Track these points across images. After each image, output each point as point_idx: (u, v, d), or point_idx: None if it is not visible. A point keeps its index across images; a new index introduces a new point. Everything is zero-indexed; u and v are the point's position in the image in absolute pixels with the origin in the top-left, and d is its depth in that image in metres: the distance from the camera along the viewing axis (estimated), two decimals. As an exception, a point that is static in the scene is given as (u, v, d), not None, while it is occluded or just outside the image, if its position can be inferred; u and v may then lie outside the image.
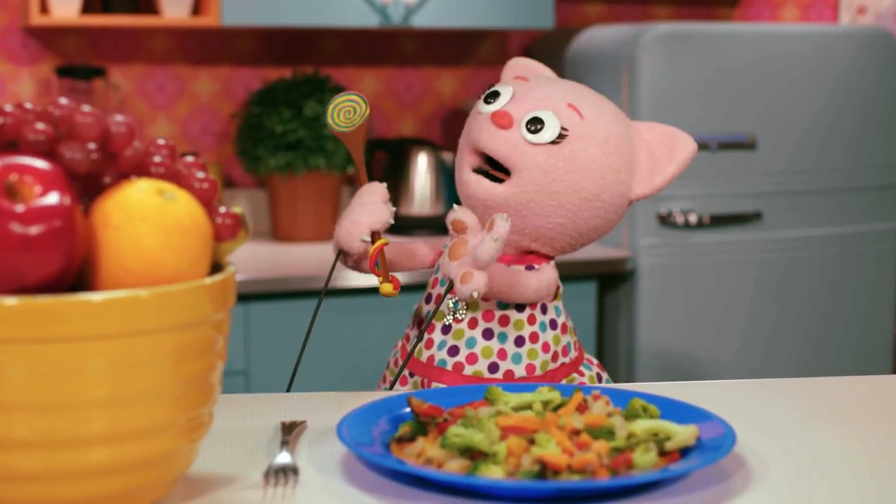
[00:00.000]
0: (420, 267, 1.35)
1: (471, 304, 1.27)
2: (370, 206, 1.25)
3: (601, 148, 1.28)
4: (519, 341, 1.27)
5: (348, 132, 1.30)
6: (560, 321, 1.30)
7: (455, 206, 1.24)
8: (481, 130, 1.29)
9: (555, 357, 1.29)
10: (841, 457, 0.97)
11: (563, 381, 1.30)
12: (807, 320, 2.80)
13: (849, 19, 3.31)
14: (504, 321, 1.27)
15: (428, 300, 1.32)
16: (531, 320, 1.28)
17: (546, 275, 1.29)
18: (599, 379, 1.33)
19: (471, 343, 1.27)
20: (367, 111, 1.31)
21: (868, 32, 2.83)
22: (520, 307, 1.28)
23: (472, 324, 1.27)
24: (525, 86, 1.31)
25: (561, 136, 1.26)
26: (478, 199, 1.29)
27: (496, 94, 1.31)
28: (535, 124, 1.26)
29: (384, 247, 1.26)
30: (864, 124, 2.81)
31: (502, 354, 1.26)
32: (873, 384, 1.24)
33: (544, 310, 1.30)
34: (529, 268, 1.29)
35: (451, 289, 1.21)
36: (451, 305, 1.28)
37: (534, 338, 1.29)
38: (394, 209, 1.28)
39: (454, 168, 1.37)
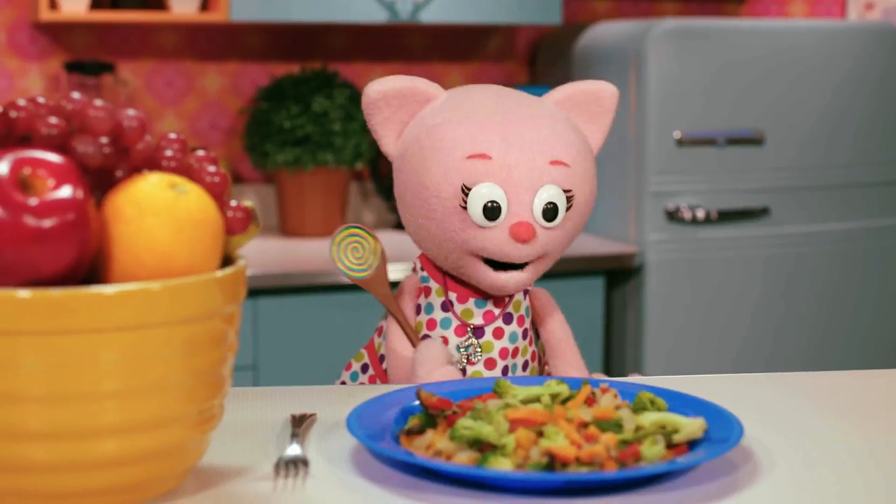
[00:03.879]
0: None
1: (484, 346, 1.24)
2: (439, 375, 1.17)
3: (588, 168, 1.24)
4: (525, 365, 1.27)
5: (366, 278, 1.23)
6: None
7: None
8: (497, 247, 1.19)
9: (538, 360, 1.30)
10: (848, 450, 0.98)
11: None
12: (814, 315, 2.80)
13: (857, 15, 3.31)
14: (515, 353, 1.25)
15: None
16: (530, 341, 1.28)
17: (555, 307, 1.29)
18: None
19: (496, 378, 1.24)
20: (378, 245, 1.23)
21: (876, 28, 2.82)
22: (524, 333, 1.27)
23: (490, 364, 1.23)
24: (500, 168, 1.19)
25: (570, 200, 1.21)
26: (496, 291, 1.23)
27: (496, 207, 1.18)
28: (549, 210, 1.19)
29: None
30: (871, 120, 2.81)
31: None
32: (881, 378, 1.24)
33: (532, 324, 1.29)
34: (525, 293, 1.28)
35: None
36: (464, 349, 1.24)
37: (533, 356, 1.28)
38: (458, 359, 1.22)
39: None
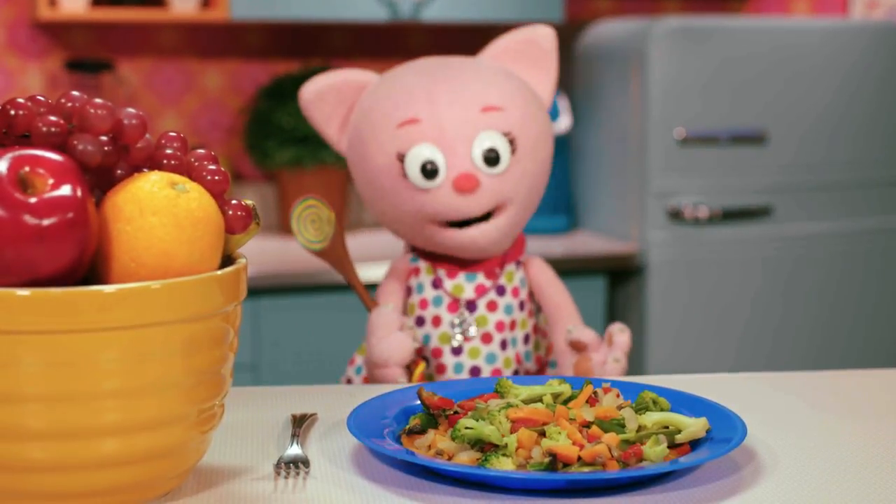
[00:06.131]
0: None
1: (479, 320, 1.23)
2: (390, 342, 1.18)
3: (529, 111, 1.22)
4: (526, 339, 1.26)
5: (324, 248, 1.23)
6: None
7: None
8: (446, 205, 1.19)
9: (545, 334, 1.28)
10: (851, 450, 0.97)
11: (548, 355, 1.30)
12: (817, 315, 2.80)
13: (860, 13, 3.30)
14: (513, 325, 1.25)
15: (420, 323, 1.25)
16: (530, 313, 1.27)
17: (549, 270, 1.28)
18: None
19: (491, 358, 1.23)
20: (332, 214, 1.23)
21: (879, 27, 2.82)
22: (521, 305, 1.26)
23: (487, 339, 1.23)
24: (431, 128, 1.19)
25: (512, 143, 1.21)
26: (472, 250, 1.23)
27: (434, 167, 1.19)
28: (491, 157, 1.19)
29: (423, 370, 1.21)
30: (875, 119, 2.81)
31: (518, 358, 1.25)
32: (884, 378, 1.24)
33: (530, 294, 1.28)
34: (518, 263, 1.27)
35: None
36: (458, 325, 1.23)
37: (535, 329, 1.28)
38: (412, 325, 1.20)
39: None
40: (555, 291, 1.26)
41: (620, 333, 1.19)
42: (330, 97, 1.27)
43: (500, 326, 1.23)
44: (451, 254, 1.23)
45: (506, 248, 1.26)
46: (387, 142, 1.20)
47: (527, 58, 1.27)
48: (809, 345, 2.80)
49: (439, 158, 1.19)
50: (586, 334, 1.20)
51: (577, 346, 1.19)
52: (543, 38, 1.28)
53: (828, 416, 1.07)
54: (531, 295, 1.27)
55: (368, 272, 2.45)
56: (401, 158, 1.19)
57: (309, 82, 1.27)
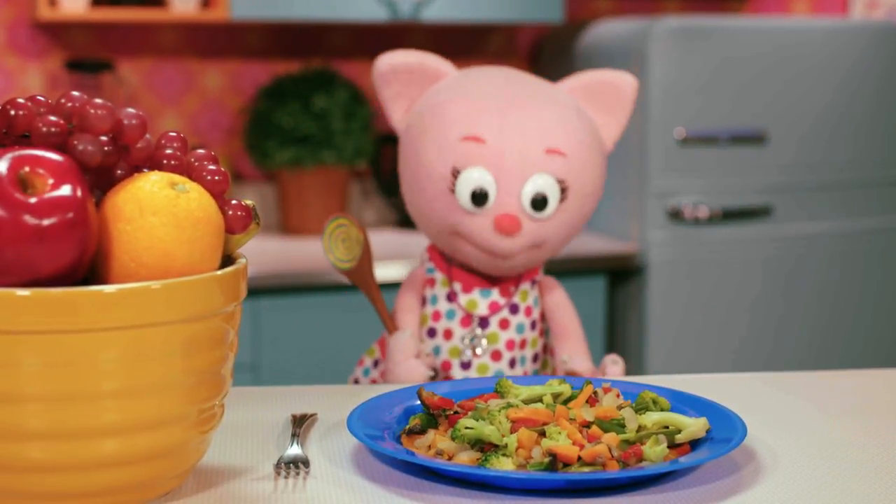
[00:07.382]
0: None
1: (490, 337, 1.23)
2: (404, 370, 1.18)
3: (590, 160, 1.21)
4: (535, 358, 1.26)
5: (350, 269, 1.22)
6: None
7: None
8: (481, 236, 1.19)
9: (553, 353, 1.28)
10: (851, 450, 0.97)
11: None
12: (817, 315, 2.80)
13: (860, 13, 3.30)
14: (523, 344, 1.24)
15: (432, 335, 1.25)
16: (541, 332, 1.27)
17: (562, 293, 1.28)
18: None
19: (499, 376, 1.23)
20: (361, 235, 1.21)
21: (879, 27, 2.82)
22: (533, 324, 1.26)
23: (496, 356, 1.23)
24: (492, 152, 1.18)
25: (563, 191, 1.20)
26: (489, 267, 1.22)
27: (483, 194, 1.18)
28: (538, 200, 1.18)
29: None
30: (875, 119, 2.81)
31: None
32: (884, 378, 1.24)
33: (542, 315, 1.28)
34: (534, 283, 1.27)
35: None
36: (468, 341, 1.23)
37: (545, 349, 1.27)
38: (429, 352, 1.20)
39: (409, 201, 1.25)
40: (563, 314, 1.25)
41: (613, 365, 1.19)
42: (403, 76, 1.24)
43: (510, 345, 1.23)
44: (467, 263, 1.23)
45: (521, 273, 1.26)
46: (445, 149, 1.19)
47: (603, 99, 1.25)
48: (809, 345, 2.80)
49: (491, 187, 1.18)
50: (581, 365, 1.19)
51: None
52: (626, 84, 1.25)
53: (828, 417, 1.07)
54: (543, 314, 1.27)
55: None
56: (455, 174, 1.18)
57: (386, 55, 1.24)
